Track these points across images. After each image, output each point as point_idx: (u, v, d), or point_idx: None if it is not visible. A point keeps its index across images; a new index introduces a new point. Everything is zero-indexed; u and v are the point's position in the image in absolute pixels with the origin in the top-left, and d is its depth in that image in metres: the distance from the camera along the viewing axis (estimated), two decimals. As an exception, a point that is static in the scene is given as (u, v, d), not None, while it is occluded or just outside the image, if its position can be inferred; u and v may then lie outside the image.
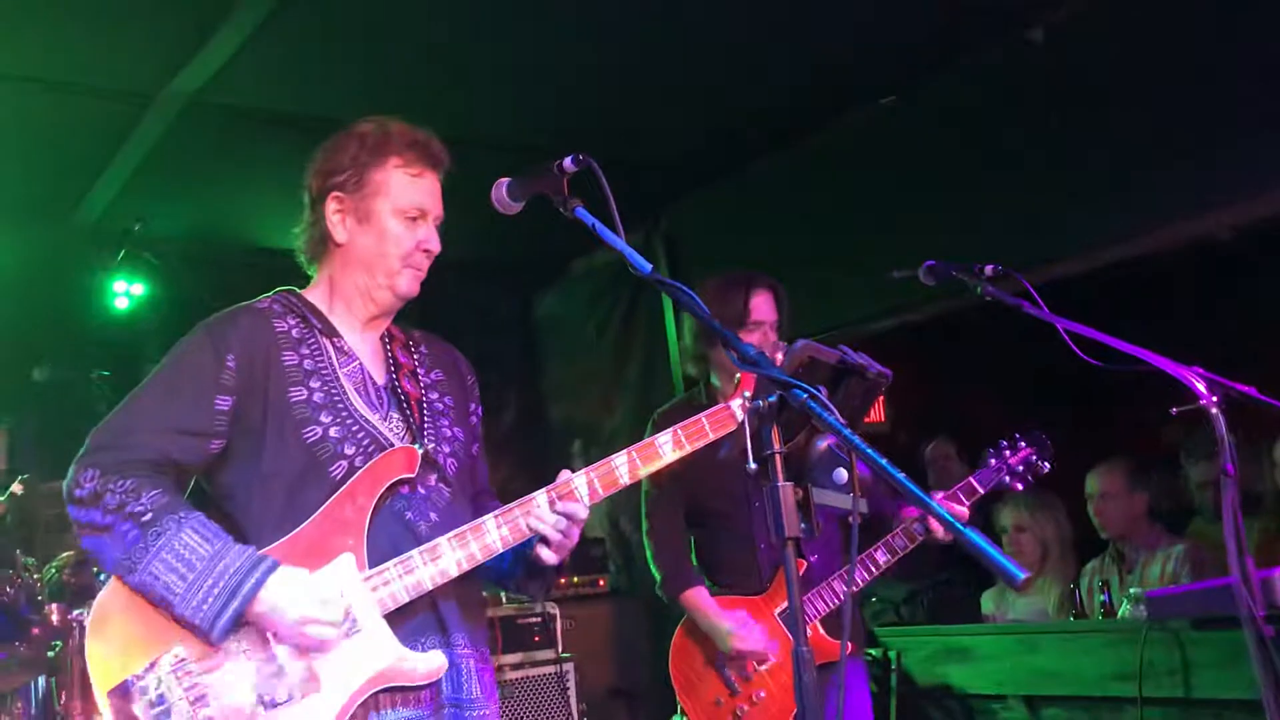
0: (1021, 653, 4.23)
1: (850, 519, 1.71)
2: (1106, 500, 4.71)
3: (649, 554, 3.58)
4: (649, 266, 1.89)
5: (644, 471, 2.26)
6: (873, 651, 4.61)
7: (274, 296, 2.35)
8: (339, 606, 2.08)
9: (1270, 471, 4.21)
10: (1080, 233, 4.30)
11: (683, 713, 3.47)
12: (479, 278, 6.38)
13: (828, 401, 1.63)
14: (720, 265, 4.82)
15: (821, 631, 3.38)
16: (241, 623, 2.05)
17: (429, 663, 2.15)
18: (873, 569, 3.40)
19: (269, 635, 2.07)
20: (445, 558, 2.16)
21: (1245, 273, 5.35)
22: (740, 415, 2.21)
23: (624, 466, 2.25)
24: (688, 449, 2.26)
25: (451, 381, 2.45)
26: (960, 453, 6.23)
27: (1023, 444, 3.54)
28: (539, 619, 4.04)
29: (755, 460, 1.69)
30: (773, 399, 1.69)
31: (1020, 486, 3.54)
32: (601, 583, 5.35)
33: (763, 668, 3.38)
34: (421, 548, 2.16)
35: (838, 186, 5.14)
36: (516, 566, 2.35)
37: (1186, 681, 3.63)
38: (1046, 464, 3.54)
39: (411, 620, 2.17)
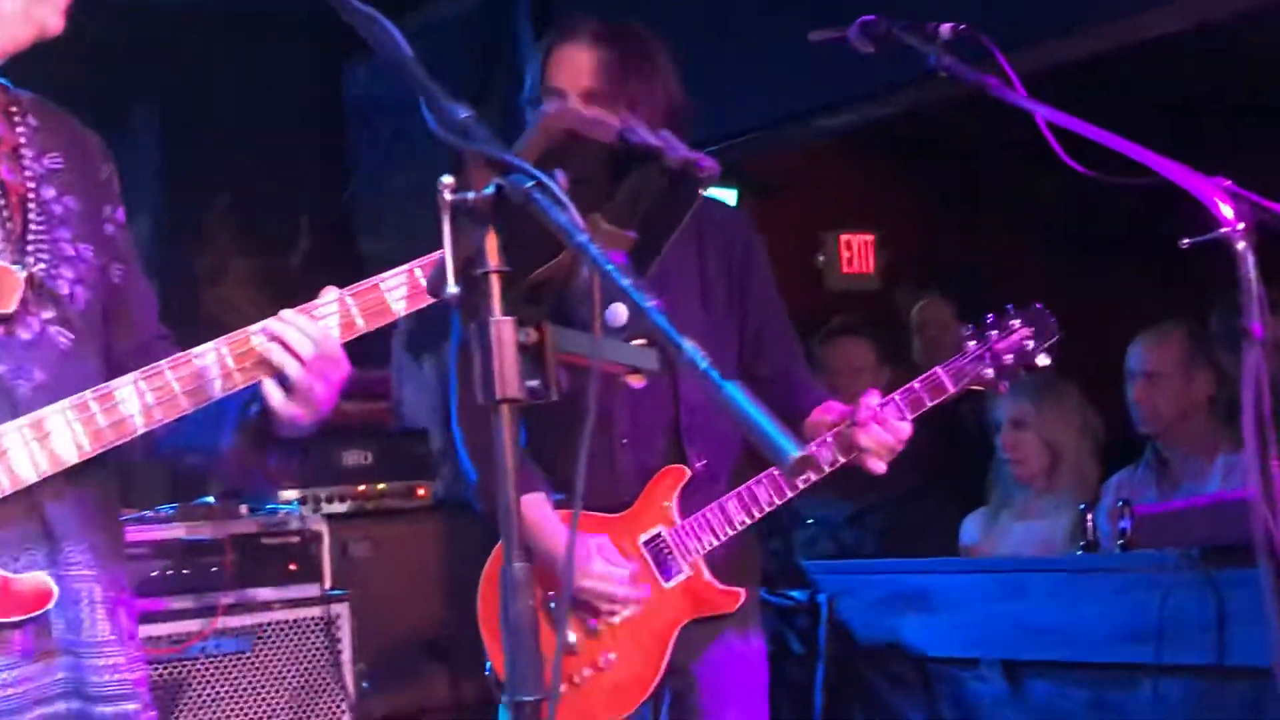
0: (1002, 599, 4.29)
1: (628, 380, 1.64)
2: (1155, 381, 4.75)
3: (460, 445, 3.50)
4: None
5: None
6: (795, 595, 4.66)
7: None
8: None
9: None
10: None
11: (494, 672, 3.44)
12: (266, 41, 6.17)
13: (562, 191, 1.53)
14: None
15: (706, 574, 3.40)
16: None
17: (26, 587, 2.15)
18: (770, 500, 3.41)
19: None
20: (58, 436, 2.15)
21: None
22: None
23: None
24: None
25: (75, 171, 2.37)
26: (961, 317, 6.24)
27: (1016, 323, 3.46)
28: (297, 538, 3.98)
29: (457, 281, 1.59)
30: (489, 191, 1.59)
31: (1005, 387, 3.49)
32: (421, 491, 5.30)
33: (616, 619, 3.38)
34: (22, 420, 2.14)
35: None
36: (233, 434, 2.32)
37: (1220, 643, 3.72)
38: (1045, 355, 3.44)
39: (3, 528, 2.15)
